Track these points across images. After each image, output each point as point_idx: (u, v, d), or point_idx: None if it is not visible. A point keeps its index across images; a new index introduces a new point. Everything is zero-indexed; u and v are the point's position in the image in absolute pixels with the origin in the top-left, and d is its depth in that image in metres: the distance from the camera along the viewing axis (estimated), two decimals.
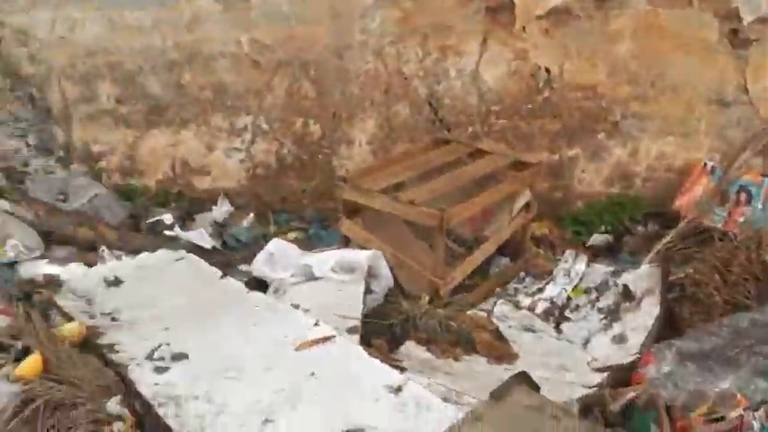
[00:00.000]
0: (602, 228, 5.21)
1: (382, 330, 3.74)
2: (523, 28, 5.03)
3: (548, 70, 5.11)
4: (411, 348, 3.57)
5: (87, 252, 4.95)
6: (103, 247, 4.85)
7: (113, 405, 2.83)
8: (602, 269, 4.68)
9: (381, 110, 5.42)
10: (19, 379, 2.87)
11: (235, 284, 3.89)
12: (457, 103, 5.30)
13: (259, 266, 4.15)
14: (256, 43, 5.38)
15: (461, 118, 5.32)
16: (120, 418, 2.80)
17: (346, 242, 4.47)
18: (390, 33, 5.19)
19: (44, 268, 4.58)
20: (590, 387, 3.33)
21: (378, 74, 5.32)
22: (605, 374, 3.50)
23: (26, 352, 3.09)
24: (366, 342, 3.40)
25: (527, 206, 4.73)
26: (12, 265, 4.67)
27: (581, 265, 4.70)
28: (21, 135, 6.23)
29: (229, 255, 5.06)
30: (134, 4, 5.50)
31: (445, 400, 2.81)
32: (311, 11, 5.23)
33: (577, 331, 4.16)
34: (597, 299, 4.40)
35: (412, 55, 5.24)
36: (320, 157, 5.61)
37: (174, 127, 5.83)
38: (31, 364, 2.97)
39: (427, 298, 3.99)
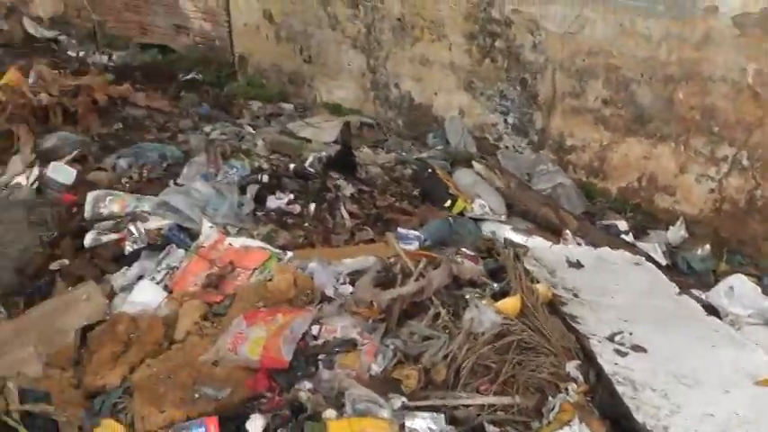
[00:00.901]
0: None
1: None
2: None
3: None
4: None
5: (545, 231, 5.25)
6: (567, 231, 5.10)
7: (572, 367, 3.03)
8: None
9: None
10: (499, 312, 3.20)
11: (692, 303, 3.89)
12: None
13: (717, 296, 4.14)
14: (763, 75, 5.12)
15: None
16: (574, 380, 2.96)
17: None
18: None
19: (506, 232, 4.97)
20: None
21: None
22: None
23: (503, 293, 3.43)
24: None
25: None
26: (475, 221, 5.16)
27: None
28: (502, 112, 6.79)
29: (679, 276, 4.96)
30: (649, 12, 5.53)
31: None
32: None
33: None
34: None
35: None
36: None
37: (652, 140, 5.81)
38: (512, 303, 3.31)
39: None
